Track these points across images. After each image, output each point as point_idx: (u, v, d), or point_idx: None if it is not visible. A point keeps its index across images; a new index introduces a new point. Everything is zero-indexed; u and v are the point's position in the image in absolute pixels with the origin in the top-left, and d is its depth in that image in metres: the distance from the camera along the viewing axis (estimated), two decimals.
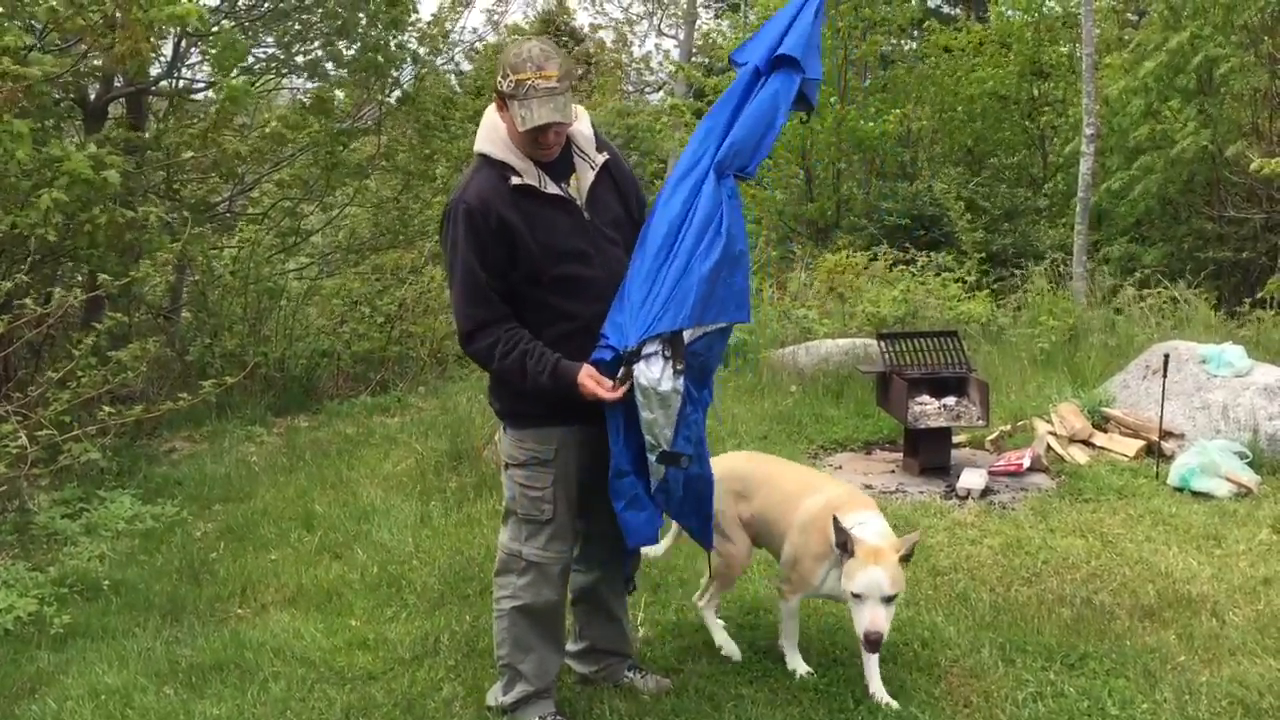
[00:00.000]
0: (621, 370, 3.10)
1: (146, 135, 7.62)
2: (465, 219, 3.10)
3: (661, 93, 22.92)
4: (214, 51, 7.56)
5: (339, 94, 9.47)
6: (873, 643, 3.34)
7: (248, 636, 4.11)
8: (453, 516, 5.44)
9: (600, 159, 3.28)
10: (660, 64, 23.68)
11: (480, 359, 3.23)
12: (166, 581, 4.78)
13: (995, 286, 11.08)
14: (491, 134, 3.19)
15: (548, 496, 3.26)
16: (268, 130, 7.75)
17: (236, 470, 6.53)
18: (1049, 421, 6.65)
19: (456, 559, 4.83)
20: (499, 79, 3.07)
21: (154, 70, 8.06)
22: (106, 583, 4.72)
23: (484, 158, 3.19)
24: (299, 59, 8.98)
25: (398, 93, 9.68)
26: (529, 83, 3.01)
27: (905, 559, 3.39)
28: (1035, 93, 15.71)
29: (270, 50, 8.96)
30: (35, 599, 4.39)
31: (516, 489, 3.28)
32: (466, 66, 13.10)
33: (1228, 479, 5.61)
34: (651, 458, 3.16)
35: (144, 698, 3.64)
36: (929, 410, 6.16)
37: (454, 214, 3.14)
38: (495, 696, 3.43)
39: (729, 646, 3.83)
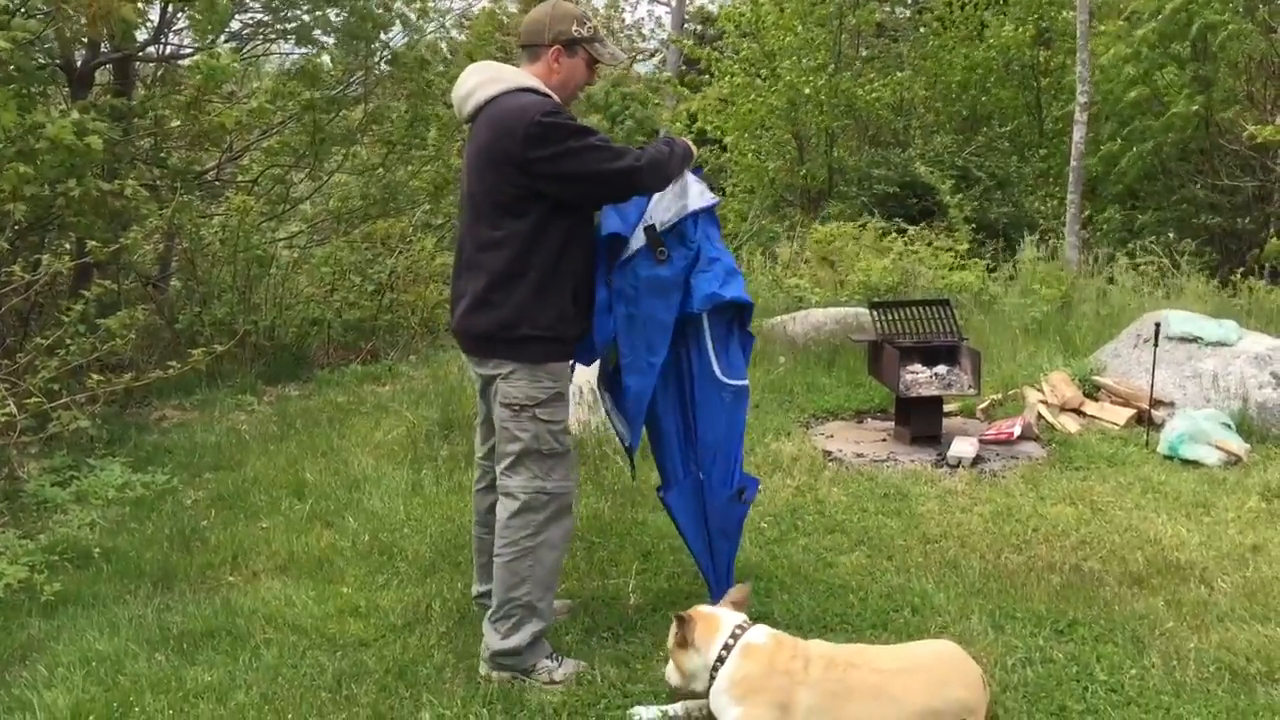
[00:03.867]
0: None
1: (133, 102, 7.53)
2: (563, 113, 3.33)
3: (653, 60, 22.74)
4: (199, 17, 7.47)
5: (327, 60, 9.36)
6: None
7: (239, 604, 4.12)
8: (444, 485, 5.44)
9: None
10: (652, 31, 23.47)
11: (646, 176, 3.41)
12: (157, 549, 4.77)
13: (988, 256, 11.07)
14: (530, 77, 3.46)
15: (566, 426, 3.49)
16: (254, 105, 7.65)
17: (227, 438, 6.52)
18: (1040, 390, 6.66)
19: (448, 527, 4.84)
20: (574, 27, 3.49)
21: (141, 36, 7.97)
22: (97, 550, 4.71)
23: (536, 91, 3.40)
24: (286, 25, 8.87)
25: (388, 55, 9.57)
26: (599, 29, 3.54)
27: None
28: (1036, 59, 15.60)
29: (258, 16, 8.85)
30: (25, 566, 4.36)
31: (540, 427, 3.41)
32: (456, 34, 12.94)
33: (1217, 447, 5.63)
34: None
35: (135, 664, 3.64)
36: (920, 379, 6.15)
37: (550, 112, 3.29)
38: (495, 644, 3.45)
39: None
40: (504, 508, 3.47)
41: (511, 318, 3.37)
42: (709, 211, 3.71)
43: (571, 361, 3.62)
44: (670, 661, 3.12)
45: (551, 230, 3.37)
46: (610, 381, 3.79)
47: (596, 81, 3.74)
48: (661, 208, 3.58)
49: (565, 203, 3.38)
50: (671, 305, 3.60)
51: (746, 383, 3.81)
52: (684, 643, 3.02)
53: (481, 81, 3.45)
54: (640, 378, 3.62)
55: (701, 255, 3.63)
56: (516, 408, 3.40)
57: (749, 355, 3.87)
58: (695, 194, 3.63)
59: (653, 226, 3.56)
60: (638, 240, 3.56)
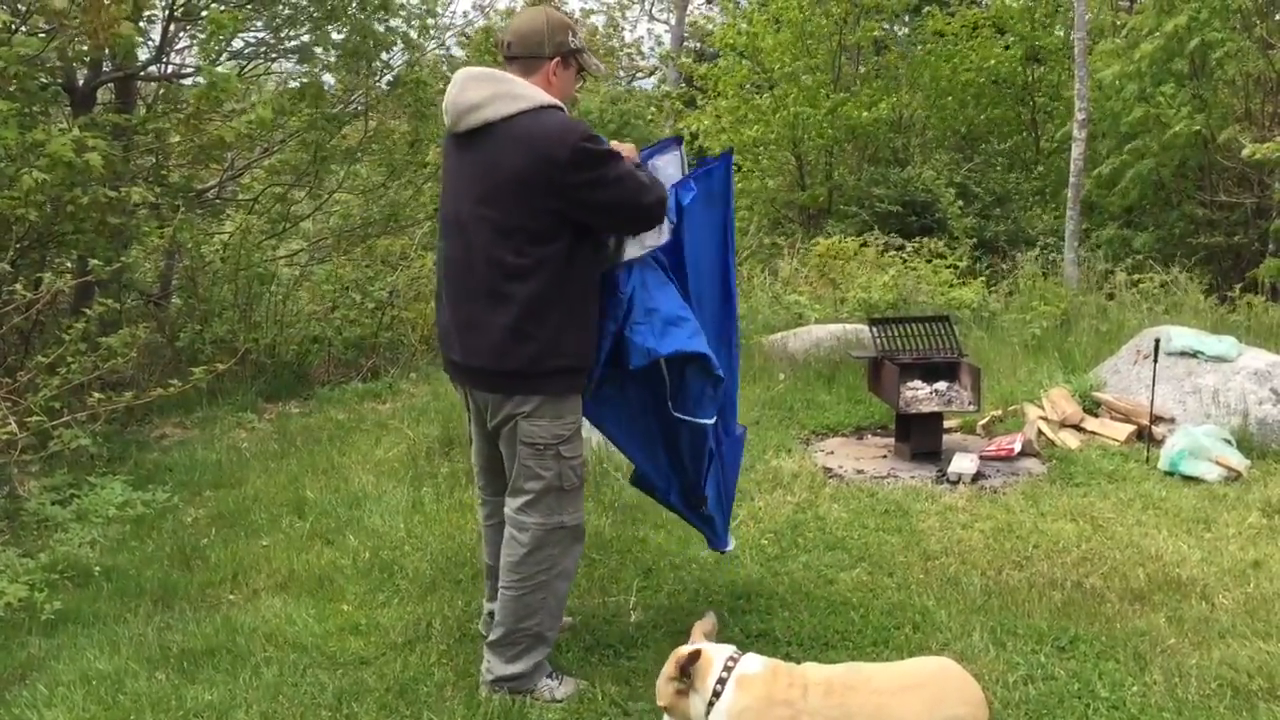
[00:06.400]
0: None
1: (132, 119, 7.56)
2: (599, 137, 3.28)
3: (653, 78, 22.85)
4: (202, 37, 7.51)
5: (329, 78, 9.42)
6: None
7: (239, 622, 4.11)
8: (445, 502, 5.43)
9: None
10: (652, 49, 23.54)
11: (661, 209, 3.43)
12: (158, 567, 4.78)
13: (987, 272, 11.10)
14: (544, 93, 3.32)
15: (583, 460, 3.46)
16: (255, 117, 7.67)
17: (227, 456, 6.52)
18: (1040, 406, 6.66)
19: (448, 544, 4.83)
20: (569, 37, 3.39)
21: (142, 55, 8.01)
22: (97, 569, 4.71)
23: (557, 108, 3.31)
24: (288, 44, 8.94)
25: (389, 77, 9.63)
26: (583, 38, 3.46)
27: None
28: (1030, 78, 15.67)
29: (259, 35, 8.91)
30: (26, 585, 4.36)
31: (562, 465, 3.35)
32: (458, 51, 13.00)
33: (1218, 463, 5.63)
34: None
35: (135, 683, 3.63)
36: (920, 395, 6.16)
37: (589, 137, 3.23)
38: (498, 670, 3.44)
39: None
40: (518, 544, 3.39)
41: (543, 350, 3.26)
42: (653, 256, 3.54)
43: None
44: (666, 714, 2.91)
45: (580, 256, 3.28)
46: None
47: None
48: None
49: (589, 229, 3.29)
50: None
51: (708, 422, 3.66)
52: (685, 690, 2.82)
53: (495, 95, 3.25)
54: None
55: (635, 307, 3.44)
56: (540, 447, 3.32)
57: (717, 394, 3.65)
58: (633, 244, 3.47)
59: None
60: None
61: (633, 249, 3.47)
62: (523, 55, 3.37)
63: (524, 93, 3.26)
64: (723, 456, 3.88)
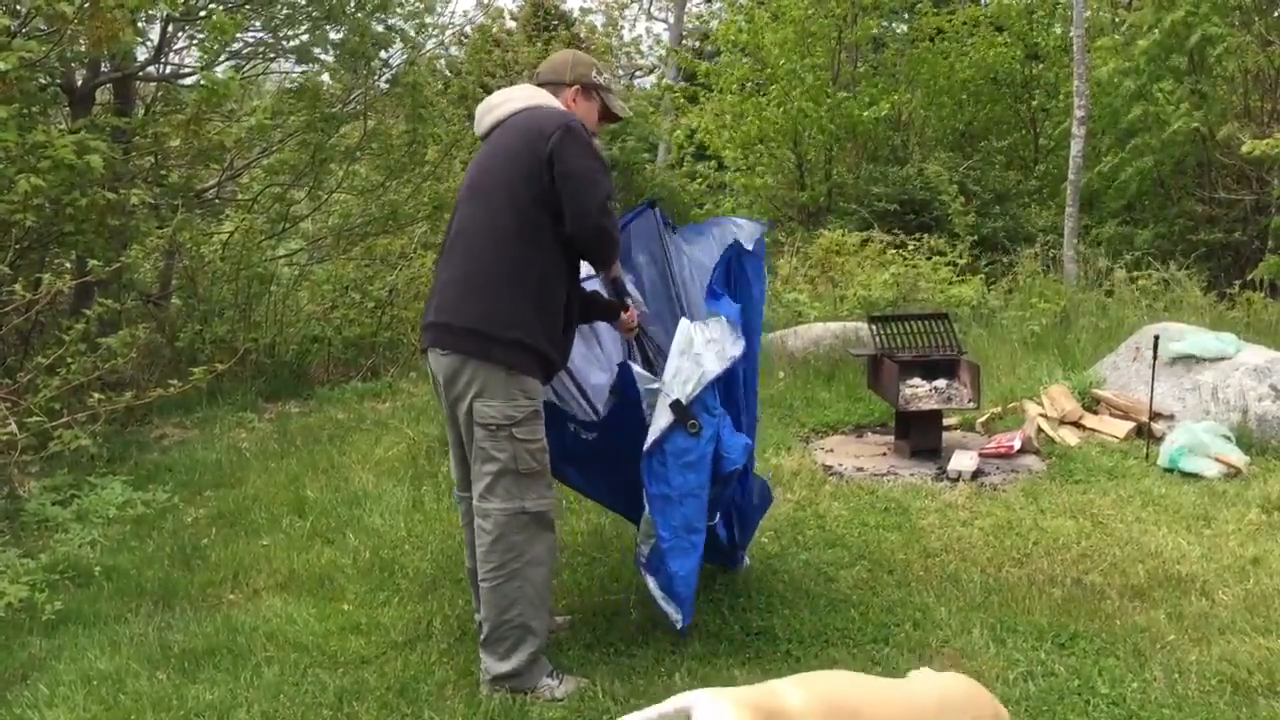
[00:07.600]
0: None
1: (132, 121, 7.57)
2: (595, 143, 3.50)
3: (652, 76, 22.83)
4: (201, 37, 7.52)
5: (327, 79, 9.42)
6: None
7: (240, 621, 4.12)
8: (444, 501, 5.43)
9: None
10: (651, 48, 23.54)
11: (610, 251, 3.62)
12: (158, 567, 4.78)
13: (986, 270, 11.08)
14: (561, 106, 3.61)
15: (544, 444, 3.46)
16: (253, 121, 7.68)
17: (227, 456, 6.53)
18: (1039, 403, 6.67)
19: (449, 543, 4.84)
20: (593, 73, 3.72)
21: (141, 55, 8.01)
22: (98, 569, 4.72)
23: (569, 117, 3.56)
24: (286, 44, 8.94)
25: (388, 75, 9.65)
26: (611, 84, 3.76)
27: None
28: (1028, 75, 15.64)
29: (258, 35, 8.91)
30: (26, 585, 4.36)
31: (517, 447, 3.38)
32: (455, 50, 13.03)
33: (1217, 460, 5.63)
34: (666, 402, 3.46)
35: (136, 683, 3.64)
36: (920, 393, 6.16)
37: (584, 129, 3.47)
38: (494, 668, 3.45)
39: None
40: (484, 532, 3.42)
41: (504, 317, 3.35)
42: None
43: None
44: None
45: (557, 251, 3.44)
46: (652, 566, 3.58)
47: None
48: (680, 380, 3.46)
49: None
50: (703, 476, 3.48)
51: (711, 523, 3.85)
52: None
53: (513, 98, 3.58)
54: (685, 559, 3.50)
55: (721, 414, 3.55)
56: (493, 427, 3.36)
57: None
58: (711, 358, 3.50)
59: (678, 401, 3.44)
60: (664, 417, 3.45)
61: (715, 363, 3.51)
62: (548, 81, 3.71)
63: (541, 98, 3.57)
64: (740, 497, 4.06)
